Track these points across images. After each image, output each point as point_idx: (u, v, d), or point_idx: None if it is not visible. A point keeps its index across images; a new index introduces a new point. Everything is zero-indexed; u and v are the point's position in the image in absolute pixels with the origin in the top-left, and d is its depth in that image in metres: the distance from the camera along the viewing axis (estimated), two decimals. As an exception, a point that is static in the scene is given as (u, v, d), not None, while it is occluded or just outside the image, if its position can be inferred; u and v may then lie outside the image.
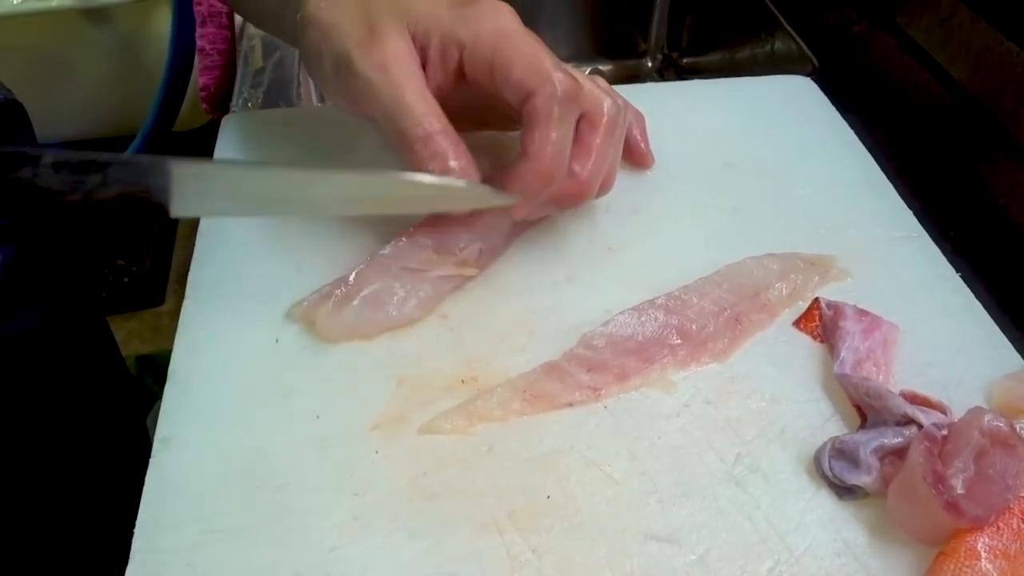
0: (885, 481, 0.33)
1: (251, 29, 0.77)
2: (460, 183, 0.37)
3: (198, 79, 0.84)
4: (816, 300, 0.41)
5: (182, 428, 0.36)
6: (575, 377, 0.38)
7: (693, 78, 0.91)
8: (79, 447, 0.56)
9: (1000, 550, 0.30)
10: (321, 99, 0.73)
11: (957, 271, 0.44)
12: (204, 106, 0.85)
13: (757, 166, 0.50)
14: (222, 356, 0.39)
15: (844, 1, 0.74)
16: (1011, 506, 0.31)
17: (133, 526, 0.33)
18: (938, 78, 0.61)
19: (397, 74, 0.37)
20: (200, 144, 0.54)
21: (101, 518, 0.50)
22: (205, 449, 0.35)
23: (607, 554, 0.32)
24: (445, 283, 0.41)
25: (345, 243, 0.43)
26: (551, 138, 0.36)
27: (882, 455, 0.34)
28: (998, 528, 0.31)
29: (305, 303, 0.40)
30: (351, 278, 0.40)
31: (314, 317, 0.39)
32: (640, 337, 0.39)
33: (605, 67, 0.98)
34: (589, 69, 0.97)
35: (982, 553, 0.30)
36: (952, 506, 0.30)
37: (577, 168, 0.38)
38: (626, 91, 0.47)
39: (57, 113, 0.92)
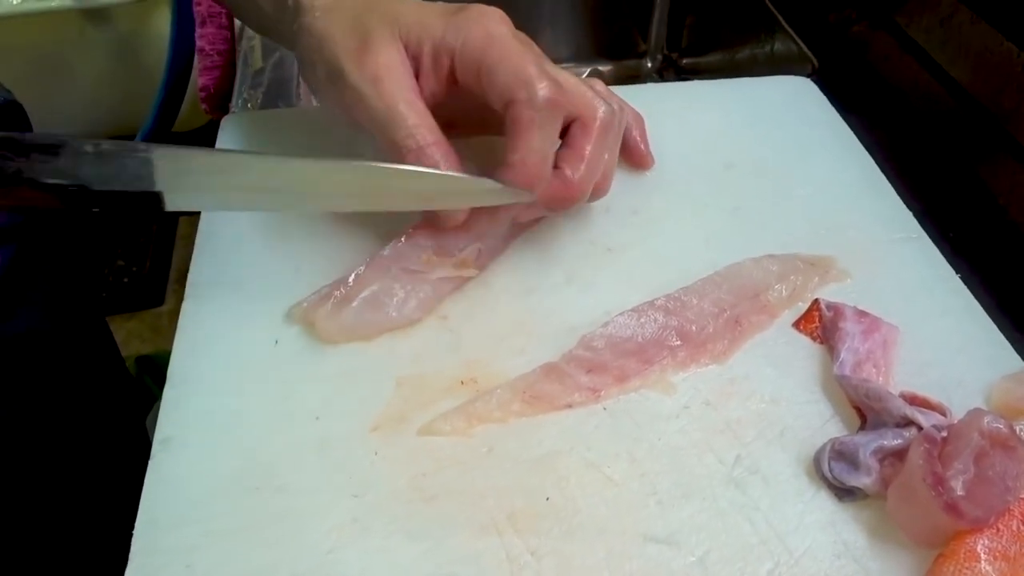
0: (885, 483, 0.33)
1: (250, 30, 0.77)
2: (463, 177, 0.37)
3: (198, 79, 0.84)
4: (816, 301, 0.41)
5: (181, 429, 0.36)
6: (574, 378, 0.38)
7: (693, 78, 0.91)
8: (79, 448, 0.56)
9: (1000, 552, 0.30)
10: (321, 100, 0.73)
11: (957, 272, 0.44)
12: (204, 106, 0.85)
13: (757, 167, 0.50)
14: (221, 357, 0.39)
15: (844, 1, 0.74)
16: (1011, 508, 0.31)
17: (132, 527, 0.33)
18: (938, 79, 0.61)
19: (389, 85, 0.37)
20: (200, 144, 0.54)
21: (101, 519, 0.50)
22: (204, 450, 0.35)
23: (606, 556, 0.32)
24: (445, 284, 0.41)
25: (345, 244, 0.43)
26: (532, 145, 0.37)
27: (882, 457, 0.34)
28: (998, 530, 0.31)
29: (304, 304, 0.40)
30: (351, 279, 0.40)
31: (313, 318, 0.39)
32: (640, 338, 0.39)
33: (605, 68, 0.98)
34: (589, 69, 0.97)
35: (982, 555, 0.30)
36: (952, 508, 0.30)
37: (568, 171, 0.38)
38: (626, 92, 0.47)
39: (57, 113, 0.91)
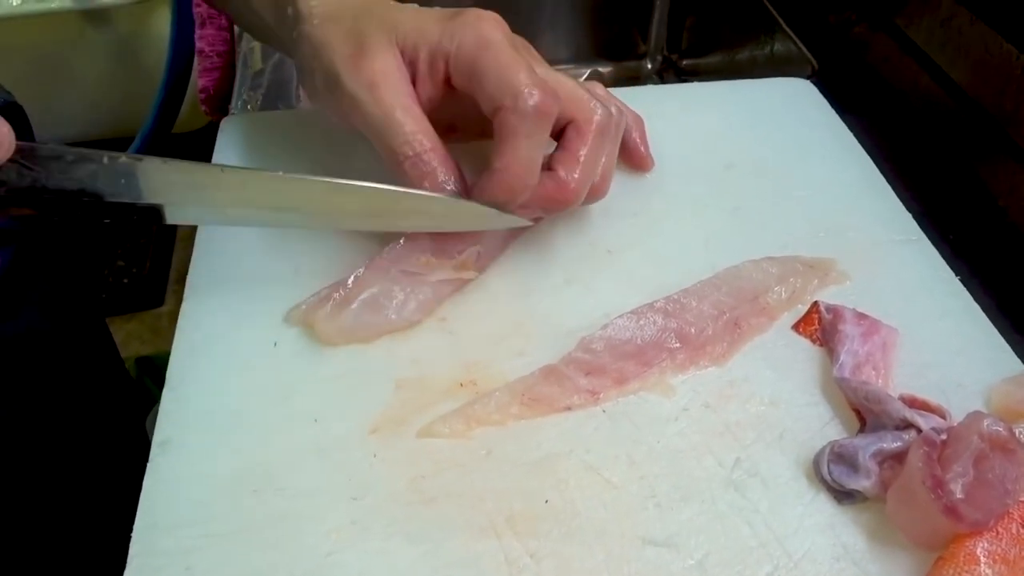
0: (884, 485, 0.33)
1: (250, 31, 0.77)
2: (466, 203, 0.38)
3: (197, 81, 0.84)
4: (815, 303, 0.41)
5: (180, 431, 0.36)
6: (573, 381, 0.38)
7: (693, 80, 0.91)
8: (78, 449, 0.56)
9: (999, 555, 0.30)
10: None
11: (956, 274, 0.44)
12: (203, 108, 0.85)
13: (757, 168, 0.50)
14: (220, 359, 0.39)
15: (844, 3, 0.74)
16: (1010, 511, 0.31)
17: (131, 529, 0.33)
18: (938, 80, 0.61)
19: (385, 92, 0.37)
20: (199, 146, 0.54)
21: (99, 521, 0.50)
22: (203, 452, 0.35)
23: (605, 559, 0.32)
24: (444, 286, 0.41)
25: (344, 246, 0.43)
26: (517, 153, 0.37)
27: (881, 459, 0.34)
28: (997, 533, 0.31)
29: (303, 306, 0.40)
30: (350, 281, 0.40)
31: (313, 320, 0.39)
32: (639, 341, 0.39)
33: (605, 69, 0.98)
34: (589, 71, 0.97)
35: (981, 558, 0.30)
36: (951, 511, 0.30)
37: (563, 174, 0.38)
38: (625, 93, 0.47)
39: (57, 114, 0.92)
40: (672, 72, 0.98)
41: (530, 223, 0.41)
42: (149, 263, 1.22)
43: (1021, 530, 0.31)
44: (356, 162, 0.43)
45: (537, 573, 0.31)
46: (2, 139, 0.31)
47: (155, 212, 0.36)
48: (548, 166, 0.39)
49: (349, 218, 0.40)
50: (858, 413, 0.36)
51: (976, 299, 0.42)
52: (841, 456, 0.34)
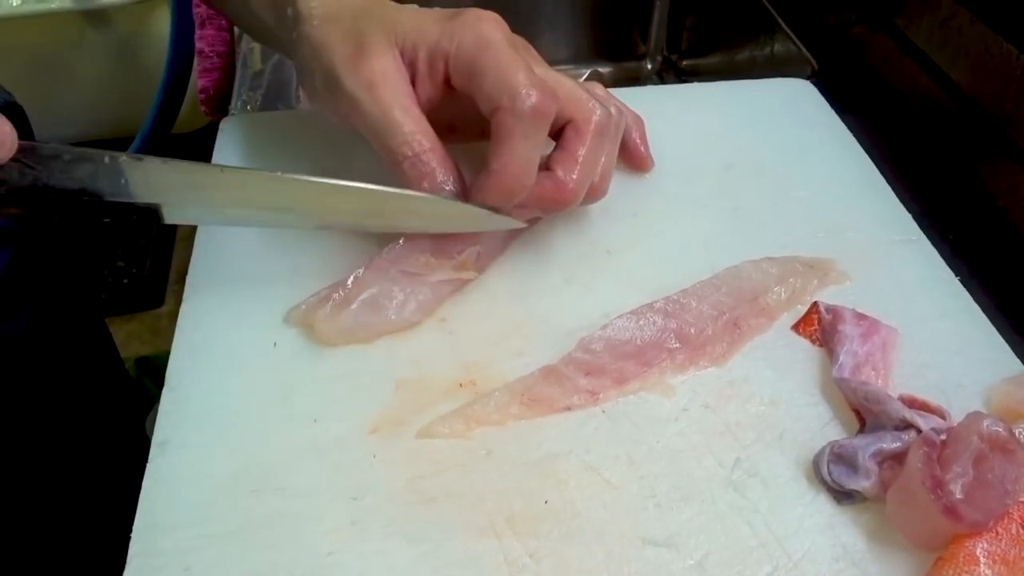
0: (884, 486, 0.33)
1: (250, 32, 0.77)
2: (462, 205, 0.38)
3: (197, 81, 0.84)
4: (815, 304, 0.41)
5: (179, 431, 0.36)
6: (573, 381, 0.38)
7: (692, 80, 0.92)
8: (77, 449, 0.56)
9: (999, 555, 0.30)
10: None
11: (956, 274, 0.44)
12: (203, 108, 0.85)
13: (756, 169, 0.50)
14: (219, 359, 0.39)
15: (843, 3, 0.74)
16: (1010, 511, 0.31)
17: (131, 529, 0.33)
18: (937, 80, 0.61)
19: (384, 92, 0.37)
20: (199, 146, 0.54)
21: (99, 521, 0.50)
22: (202, 453, 0.35)
23: (605, 559, 0.32)
24: (444, 287, 0.41)
25: (343, 247, 0.43)
26: (514, 154, 0.37)
27: (881, 460, 0.34)
28: (997, 533, 0.31)
29: (303, 306, 0.40)
30: (349, 281, 0.40)
31: (312, 320, 0.39)
32: (638, 341, 0.39)
33: (605, 69, 0.98)
34: (589, 71, 0.97)
35: (981, 558, 0.30)
36: (951, 511, 0.30)
37: (561, 174, 0.38)
38: (625, 94, 0.47)
39: (56, 115, 0.92)
40: (672, 72, 0.98)
41: (524, 225, 0.41)
42: (149, 263, 1.22)
43: (1021, 531, 0.31)
44: (356, 162, 0.43)
45: (537, 573, 0.31)
46: (4, 138, 0.31)
47: (155, 212, 0.36)
48: (546, 166, 0.39)
49: (347, 218, 0.40)
50: (858, 413, 0.36)
51: (976, 299, 0.42)
52: (841, 456, 0.34)
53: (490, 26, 0.38)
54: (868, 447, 0.34)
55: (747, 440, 0.36)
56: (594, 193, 0.41)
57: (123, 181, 0.35)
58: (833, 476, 0.34)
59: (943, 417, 0.35)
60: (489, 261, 0.43)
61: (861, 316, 0.40)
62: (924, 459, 0.32)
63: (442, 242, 0.41)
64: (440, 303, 0.41)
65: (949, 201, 0.58)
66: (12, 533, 0.51)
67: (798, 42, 0.73)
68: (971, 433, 0.32)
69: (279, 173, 0.37)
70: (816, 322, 0.40)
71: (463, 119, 0.42)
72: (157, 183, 0.36)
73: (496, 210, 0.39)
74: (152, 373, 1.07)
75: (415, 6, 0.40)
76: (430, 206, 0.38)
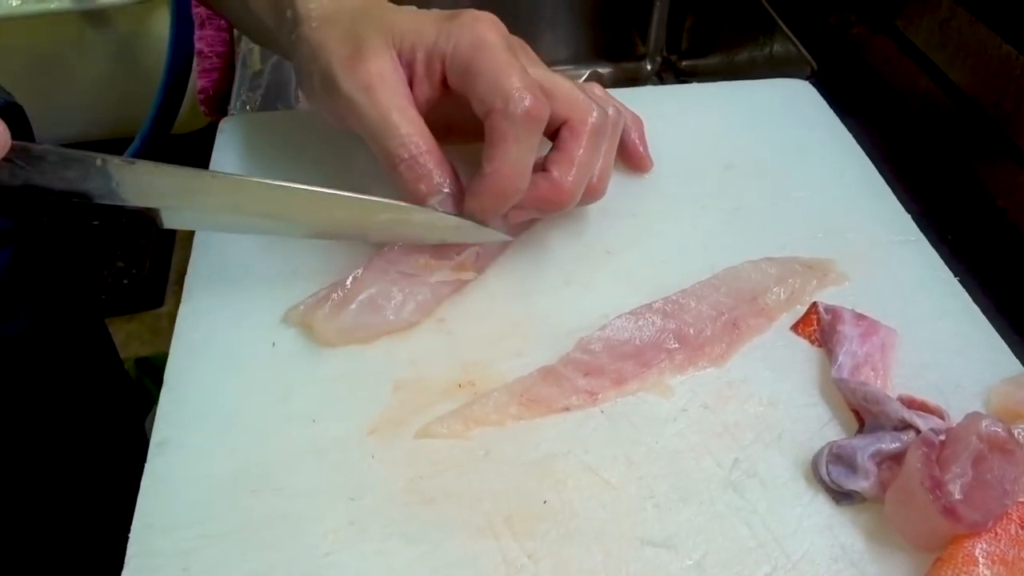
0: (883, 486, 0.33)
1: (250, 32, 0.77)
2: (455, 220, 0.38)
3: (196, 81, 0.84)
4: (814, 304, 0.41)
5: (178, 432, 0.36)
6: (572, 381, 0.37)
7: (692, 81, 0.92)
8: (77, 450, 0.56)
9: (998, 556, 0.30)
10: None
11: (955, 274, 0.44)
12: (202, 108, 0.85)
13: (755, 169, 0.50)
14: (218, 359, 0.39)
15: (843, 4, 0.74)
16: (1009, 512, 0.31)
17: (129, 530, 0.33)
18: (937, 81, 0.61)
19: (382, 94, 0.37)
20: (198, 146, 0.54)
21: (98, 521, 0.50)
22: (201, 452, 0.35)
23: (604, 559, 0.32)
24: (442, 287, 0.41)
25: (342, 247, 0.43)
26: (507, 158, 0.37)
27: (880, 460, 0.34)
28: (996, 534, 0.31)
29: (302, 307, 0.40)
30: (348, 282, 0.40)
31: (311, 321, 0.39)
32: (637, 341, 0.39)
33: (604, 70, 0.98)
34: (588, 72, 0.97)
35: (980, 559, 0.30)
36: (950, 511, 0.30)
37: (557, 175, 0.38)
38: (625, 94, 0.47)
39: (56, 115, 0.92)
40: (671, 73, 0.98)
41: (511, 238, 0.41)
42: (149, 264, 1.22)
43: (1020, 531, 0.31)
44: (355, 163, 0.44)
45: (535, 574, 0.31)
46: None
47: (145, 216, 0.36)
48: (543, 167, 0.39)
49: (340, 227, 0.40)
50: (857, 414, 0.36)
51: (975, 300, 0.42)
52: (839, 457, 0.34)
53: (487, 27, 0.38)
54: (867, 447, 0.34)
55: (746, 440, 0.36)
56: (592, 193, 0.41)
57: (114, 184, 0.35)
58: (832, 476, 0.34)
59: (942, 417, 0.35)
60: (488, 261, 0.43)
61: (860, 316, 0.40)
62: (923, 459, 0.32)
63: (441, 243, 0.41)
64: (439, 303, 0.41)
65: (948, 201, 0.58)
66: (11, 533, 0.51)
67: (798, 43, 0.73)
68: (970, 433, 0.32)
69: (271, 180, 0.37)
70: (815, 322, 0.40)
71: (461, 120, 0.42)
72: (148, 187, 0.36)
73: (493, 211, 0.39)
74: (152, 373, 1.07)
75: (413, 7, 0.40)
76: (423, 216, 0.38)
